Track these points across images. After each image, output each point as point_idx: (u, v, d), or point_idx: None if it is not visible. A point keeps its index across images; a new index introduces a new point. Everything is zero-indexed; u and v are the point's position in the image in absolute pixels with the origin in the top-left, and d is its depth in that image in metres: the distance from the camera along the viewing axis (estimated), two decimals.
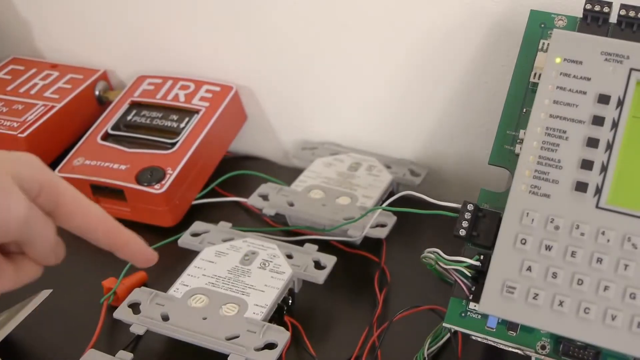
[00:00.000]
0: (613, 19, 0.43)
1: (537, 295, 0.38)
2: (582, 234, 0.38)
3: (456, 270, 0.41)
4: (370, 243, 0.51)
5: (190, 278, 0.46)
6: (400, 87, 0.57)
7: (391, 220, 0.51)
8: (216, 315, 0.44)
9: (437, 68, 0.54)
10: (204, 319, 0.43)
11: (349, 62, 0.57)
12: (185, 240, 0.49)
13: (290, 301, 0.47)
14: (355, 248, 0.52)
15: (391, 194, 0.52)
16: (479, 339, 0.41)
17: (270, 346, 0.42)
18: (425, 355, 0.43)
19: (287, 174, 0.57)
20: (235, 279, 0.46)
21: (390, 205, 0.48)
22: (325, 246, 0.51)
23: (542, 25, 0.45)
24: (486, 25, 0.51)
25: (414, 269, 0.48)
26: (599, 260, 0.38)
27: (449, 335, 0.44)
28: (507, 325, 0.40)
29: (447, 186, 0.58)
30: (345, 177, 0.55)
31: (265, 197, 0.54)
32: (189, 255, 0.48)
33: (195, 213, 0.55)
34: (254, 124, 0.63)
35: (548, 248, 0.38)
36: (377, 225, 0.51)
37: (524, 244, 0.39)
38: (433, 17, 0.53)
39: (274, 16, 0.58)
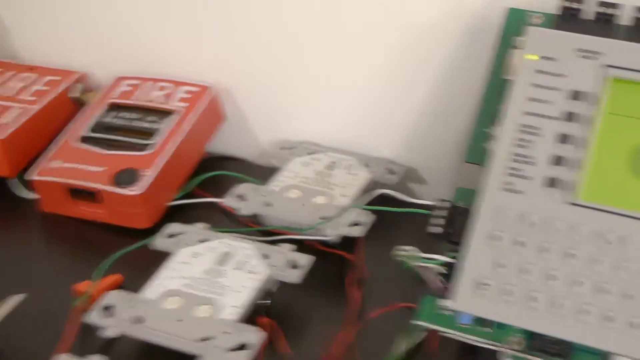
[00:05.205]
0: (590, 15, 0.43)
1: (510, 291, 0.38)
2: (556, 230, 0.38)
3: (430, 267, 0.41)
4: (347, 242, 0.51)
5: (165, 280, 0.46)
6: (378, 86, 0.56)
7: (368, 218, 0.51)
8: (191, 316, 0.43)
9: (415, 66, 0.54)
10: (179, 320, 0.43)
11: (327, 62, 0.57)
12: (160, 241, 0.49)
13: (266, 301, 0.47)
14: (332, 247, 0.51)
15: (369, 193, 0.52)
16: (453, 336, 0.40)
17: (245, 347, 0.42)
18: (400, 352, 0.43)
19: (265, 173, 0.57)
20: (211, 280, 0.46)
21: (367, 204, 0.48)
22: (302, 246, 0.50)
23: (519, 23, 0.45)
24: (464, 22, 0.51)
25: (392, 267, 0.48)
26: (573, 256, 0.38)
27: (423, 333, 0.44)
28: (481, 322, 0.40)
29: (426, 184, 0.58)
30: (322, 177, 0.55)
31: (242, 198, 0.53)
32: (165, 257, 0.48)
33: (173, 214, 0.54)
34: (232, 124, 0.62)
35: (522, 244, 0.38)
36: (354, 224, 0.50)
37: (498, 240, 0.39)
38: (411, 15, 0.53)
39: (252, 17, 0.57)
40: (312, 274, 0.47)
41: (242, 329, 0.42)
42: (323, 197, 0.53)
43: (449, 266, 0.40)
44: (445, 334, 0.41)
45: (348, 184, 0.54)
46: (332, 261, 0.51)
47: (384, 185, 0.54)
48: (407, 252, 0.41)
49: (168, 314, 0.43)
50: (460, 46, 0.52)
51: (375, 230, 0.51)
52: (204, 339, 0.42)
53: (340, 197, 0.53)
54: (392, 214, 0.48)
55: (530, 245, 0.38)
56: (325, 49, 0.57)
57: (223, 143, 0.63)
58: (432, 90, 0.54)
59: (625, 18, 0.43)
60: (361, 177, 0.55)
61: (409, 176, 0.57)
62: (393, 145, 0.58)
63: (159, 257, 0.48)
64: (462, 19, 0.51)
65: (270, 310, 0.47)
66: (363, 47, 0.55)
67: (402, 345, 0.44)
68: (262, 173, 0.57)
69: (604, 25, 0.43)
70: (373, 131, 0.58)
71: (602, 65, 0.40)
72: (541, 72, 0.41)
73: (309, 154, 0.58)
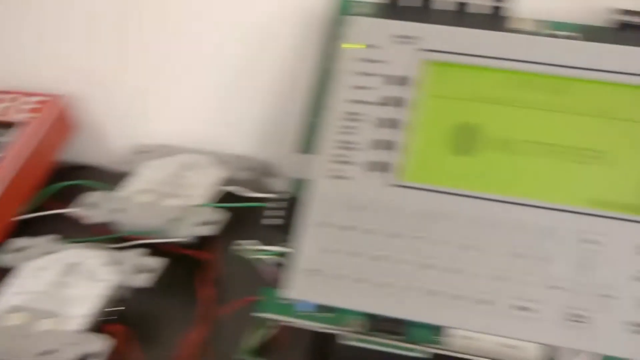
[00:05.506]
0: (414, 2, 0.44)
1: (342, 275, 0.39)
2: (382, 212, 0.39)
3: (268, 258, 0.41)
4: (202, 241, 0.51)
5: (8, 296, 0.45)
6: (229, 83, 0.57)
7: (221, 216, 0.51)
8: (35, 331, 0.42)
9: (259, 62, 0.55)
10: (22, 336, 0.42)
11: (177, 63, 0.57)
12: (4, 257, 0.48)
13: (119, 308, 0.46)
14: (187, 248, 0.51)
15: (223, 191, 0.52)
16: (296, 325, 0.41)
17: (90, 356, 0.41)
18: (251, 346, 0.43)
19: (119, 180, 0.56)
20: (56, 292, 0.45)
21: (220, 201, 0.48)
22: (156, 249, 0.50)
23: (345, 13, 0.45)
24: (307, 14, 0.52)
25: (246, 263, 0.48)
26: (399, 236, 0.39)
27: (273, 325, 0.44)
28: (322, 308, 0.40)
29: (281, 178, 0.58)
30: (176, 178, 0.55)
31: (94, 206, 0.52)
32: (9, 273, 0.47)
33: (22, 229, 0.53)
34: (85, 132, 0.61)
35: (350, 229, 0.39)
36: (207, 223, 0.50)
37: (327, 226, 0.39)
38: (253, 11, 0.53)
39: (100, 22, 0.57)
40: (168, 276, 0.47)
41: (87, 339, 0.42)
42: (176, 198, 0.53)
43: (285, 256, 0.41)
44: (288, 324, 0.41)
45: (202, 184, 0.54)
46: (187, 262, 0.51)
47: (239, 182, 0.54)
48: (246, 246, 0.41)
49: (10, 330, 0.42)
50: (303, 39, 0.53)
51: (231, 227, 0.51)
52: (46, 353, 0.41)
53: (194, 197, 0.53)
54: (248, 210, 0.49)
55: (358, 229, 0.39)
56: (174, 51, 0.56)
57: (77, 151, 0.62)
58: (281, 84, 0.55)
59: (447, 4, 0.44)
60: (215, 175, 0.55)
61: (265, 171, 0.58)
62: (247, 142, 0.58)
63: (4, 274, 0.47)
64: (307, 10, 0.52)
65: (123, 316, 0.46)
66: (210, 47, 0.55)
67: (254, 339, 0.44)
68: (116, 179, 0.57)
69: (427, 11, 0.44)
70: (227, 129, 0.58)
71: (421, 49, 0.41)
72: (362, 59, 0.42)
73: (164, 156, 0.57)
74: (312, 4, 0.51)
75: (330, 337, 0.41)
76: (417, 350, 0.40)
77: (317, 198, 0.40)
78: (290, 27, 0.53)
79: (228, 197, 0.53)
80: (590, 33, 0.42)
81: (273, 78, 0.55)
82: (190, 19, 0.55)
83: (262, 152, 0.58)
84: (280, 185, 0.56)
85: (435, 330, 0.39)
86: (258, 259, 0.42)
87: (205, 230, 0.50)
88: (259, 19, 0.53)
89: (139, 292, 0.47)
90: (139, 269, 0.47)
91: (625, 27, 0.42)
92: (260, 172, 0.57)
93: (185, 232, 0.50)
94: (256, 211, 0.48)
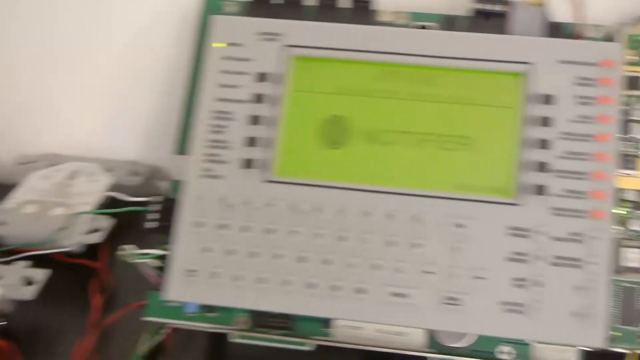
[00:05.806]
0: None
1: (218, 274, 0.39)
2: (256, 209, 0.40)
3: (147, 262, 0.41)
4: (92, 249, 0.51)
5: None
6: (114, 89, 0.56)
7: (107, 223, 0.51)
8: None
9: (141, 66, 0.55)
10: None
11: (57, 69, 0.56)
12: None
13: (1, 323, 0.45)
14: (76, 256, 0.51)
15: (110, 197, 0.52)
16: (184, 327, 0.41)
17: None
18: (142, 352, 0.43)
19: (4, 192, 0.55)
20: None
21: (108, 208, 0.48)
22: (44, 260, 0.49)
23: (214, 12, 0.46)
24: (185, 14, 0.52)
25: (135, 268, 0.48)
26: (273, 231, 0.39)
27: (164, 329, 0.44)
28: (207, 308, 0.41)
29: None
30: (62, 187, 0.54)
31: None
32: None
33: None
34: None
35: (225, 227, 0.40)
36: (94, 231, 0.50)
37: (202, 226, 0.40)
38: (133, 15, 0.53)
39: None
40: (56, 286, 0.46)
41: None
42: (62, 208, 0.52)
43: (165, 259, 0.41)
44: (175, 326, 0.41)
45: (89, 192, 0.54)
46: (75, 271, 0.50)
47: (127, 188, 0.54)
48: (128, 251, 0.41)
49: None
50: (179, 40, 0.53)
51: (120, 233, 0.51)
52: None
53: (80, 205, 0.52)
54: (136, 215, 0.48)
55: (233, 227, 0.39)
56: (55, 58, 0.56)
57: None
58: (162, 86, 0.55)
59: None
60: (103, 182, 0.55)
61: (154, 175, 0.57)
62: (134, 147, 0.58)
63: None
64: (179, 11, 0.52)
65: (7, 331, 0.45)
66: (93, 54, 0.55)
67: (145, 344, 0.44)
68: (1, 192, 0.56)
69: (295, 7, 0.45)
70: (113, 135, 0.58)
71: (284, 45, 0.42)
72: (228, 58, 0.42)
73: (49, 166, 0.57)
74: (190, 3, 0.51)
75: (223, 336, 0.42)
76: (307, 343, 0.40)
77: (190, 198, 0.40)
78: (169, 27, 0.53)
79: (115, 203, 0.53)
80: (450, 22, 0.43)
81: (157, 80, 0.55)
82: (71, 26, 0.54)
83: (150, 156, 0.58)
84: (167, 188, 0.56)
85: (323, 323, 0.40)
86: (141, 263, 0.41)
87: (92, 238, 0.50)
88: (139, 21, 0.53)
89: (25, 304, 0.46)
90: (23, 282, 0.46)
91: (481, 15, 0.43)
92: (149, 176, 0.57)
93: (73, 241, 0.49)
94: (143, 215, 0.48)
